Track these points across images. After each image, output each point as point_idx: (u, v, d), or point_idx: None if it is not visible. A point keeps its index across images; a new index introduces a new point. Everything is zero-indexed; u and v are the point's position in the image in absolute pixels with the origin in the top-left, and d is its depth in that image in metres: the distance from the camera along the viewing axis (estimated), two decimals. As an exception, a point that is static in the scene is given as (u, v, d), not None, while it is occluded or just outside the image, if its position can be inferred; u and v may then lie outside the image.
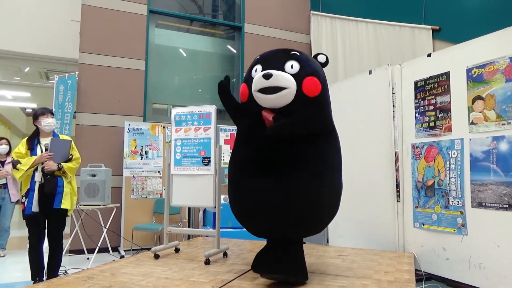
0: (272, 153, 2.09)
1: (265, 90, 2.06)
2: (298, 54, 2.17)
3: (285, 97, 2.05)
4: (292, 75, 2.07)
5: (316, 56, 2.32)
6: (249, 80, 2.18)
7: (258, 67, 2.17)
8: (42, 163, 3.39)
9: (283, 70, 2.08)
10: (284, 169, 2.05)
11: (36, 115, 3.58)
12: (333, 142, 2.24)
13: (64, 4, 7.05)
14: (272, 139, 2.06)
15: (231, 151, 6.27)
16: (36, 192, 3.36)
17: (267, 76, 2.02)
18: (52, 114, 3.65)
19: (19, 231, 6.68)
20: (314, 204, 2.06)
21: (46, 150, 3.44)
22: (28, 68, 9.13)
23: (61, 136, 3.76)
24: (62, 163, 3.49)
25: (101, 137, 5.84)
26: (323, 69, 2.29)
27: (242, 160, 2.24)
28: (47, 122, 3.54)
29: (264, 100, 2.10)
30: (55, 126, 3.65)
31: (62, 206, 3.46)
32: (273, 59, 2.17)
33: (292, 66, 2.09)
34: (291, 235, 2.18)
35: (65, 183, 3.52)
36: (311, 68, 2.14)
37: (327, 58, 2.32)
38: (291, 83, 2.04)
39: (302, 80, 2.06)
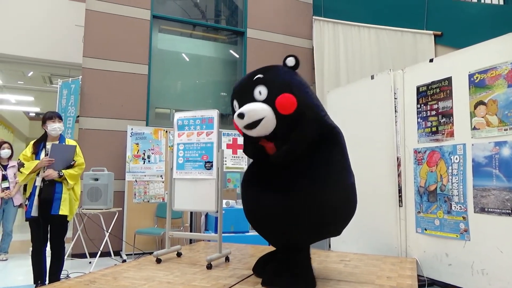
0: (273, 165, 2.12)
1: (246, 127, 2.06)
2: (262, 76, 2.09)
3: (267, 126, 2.02)
4: (263, 101, 2.02)
5: (285, 60, 2.18)
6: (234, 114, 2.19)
7: (235, 102, 2.18)
8: (44, 168, 3.40)
9: (253, 99, 2.04)
10: (285, 177, 2.07)
11: (44, 119, 3.61)
12: (334, 140, 2.15)
13: (68, 9, 7.12)
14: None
15: (233, 155, 6.26)
16: (36, 197, 3.38)
17: (240, 116, 2.01)
18: (60, 118, 3.66)
19: (21, 235, 6.69)
20: (320, 209, 2.01)
21: (47, 155, 3.45)
22: (31, 73, 9.20)
23: (67, 141, 3.75)
24: (63, 171, 3.48)
25: (104, 141, 5.87)
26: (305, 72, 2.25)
27: (249, 172, 2.34)
28: (53, 127, 3.55)
29: (250, 133, 2.10)
30: (62, 131, 3.67)
31: (60, 212, 3.45)
32: (243, 91, 2.14)
33: (260, 92, 2.04)
34: (296, 244, 2.19)
35: (64, 188, 3.51)
36: (279, 85, 2.04)
37: (296, 60, 2.15)
38: (266, 111, 1.99)
39: (274, 102, 1.99)
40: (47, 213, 3.41)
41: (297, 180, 2.03)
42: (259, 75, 2.09)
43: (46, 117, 3.59)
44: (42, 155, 3.47)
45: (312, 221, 2.04)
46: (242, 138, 2.35)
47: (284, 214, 2.04)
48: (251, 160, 2.45)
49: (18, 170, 3.50)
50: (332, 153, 2.12)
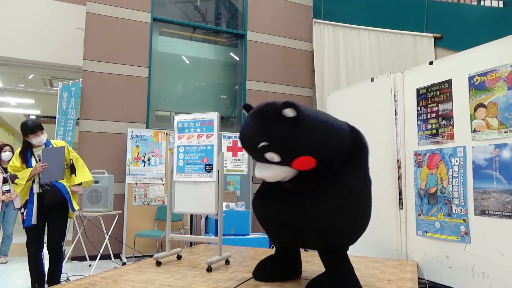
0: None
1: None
2: (268, 143, 1.87)
3: (288, 177, 2.01)
4: (279, 163, 1.93)
5: (283, 106, 1.84)
6: None
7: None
8: (39, 174, 3.37)
9: (265, 160, 1.95)
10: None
11: (26, 132, 3.42)
12: (357, 155, 2.19)
13: (68, 12, 7.12)
14: None
15: (233, 158, 6.24)
16: (35, 204, 3.35)
17: (262, 177, 2.03)
18: (42, 128, 3.50)
19: (21, 238, 6.66)
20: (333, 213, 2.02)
21: (40, 161, 3.41)
22: (32, 75, 9.20)
23: (54, 143, 3.65)
24: (81, 180, 3.60)
25: (104, 144, 5.86)
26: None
27: (262, 187, 2.33)
28: (38, 140, 3.46)
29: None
30: (46, 138, 3.55)
31: (76, 208, 3.57)
32: (252, 154, 2.04)
33: (273, 158, 1.91)
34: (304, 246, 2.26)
35: (67, 188, 3.53)
36: (291, 151, 1.88)
37: (296, 109, 1.83)
38: (286, 172, 1.96)
39: (291, 166, 1.94)
40: (50, 218, 3.43)
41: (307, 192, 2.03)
42: (263, 143, 1.86)
43: (28, 131, 3.42)
44: (33, 162, 3.43)
45: (317, 226, 2.03)
46: None
47: (291, 216, 2.04)
48: (251, 162, 2.46)
49: (13, 182, 3.42)
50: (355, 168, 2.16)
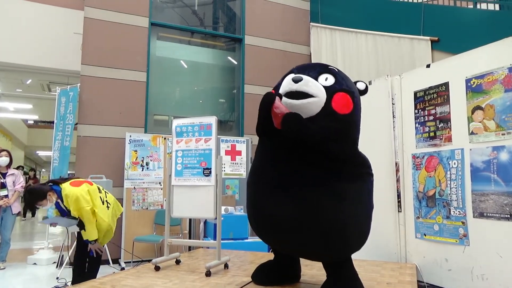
0: (290, 171, 1.95)
1: (292, 95, 1.90)
2: (336, 70, 2.07)
3: (311, 106, 1.89)
4: (324, 86, 1.94)
5: (356, 82, 2.18)
6: (278, 91, 2.03)
7: (291, 75, 2.01)
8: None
9: (316, 80, 1.96)
10: (302, 188, 1.94)
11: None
12: (363, 174, 2.15)
13: (66, 17, 7.13)
14: (292, 158, 1.93)
15: (232, 162, 6.23)
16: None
17: (296, 80, 1.88)
18: (44, 197, 3.18)
19: (19, 244, 6.65)
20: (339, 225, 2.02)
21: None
22: (30, 80, 9.20)
23: (64, 194, 3.18)
24: (86, 238, 3.27)
25: (102, 149, 5.85)
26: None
27: (260, 175, 2.13)
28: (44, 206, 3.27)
29: (288, 105, 1.90)
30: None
31: (91, 238, 3.23)
32: (308, 69, 2.04)
33: (326, 79, 1.97)
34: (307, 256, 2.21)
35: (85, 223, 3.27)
36: (347, 86, 2.01)
37: (366, 86, 2.19)
38: (321, 93, 1.90)
39: (334, 93, 1.92)
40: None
41: (317, 191, 1.92)
42: (333, 67, 2.08)
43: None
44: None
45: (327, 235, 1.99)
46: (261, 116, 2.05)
47: (300, 225, 1.94)
48: (250, 166, 2.38)
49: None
50: (359, 182, 2.13)
